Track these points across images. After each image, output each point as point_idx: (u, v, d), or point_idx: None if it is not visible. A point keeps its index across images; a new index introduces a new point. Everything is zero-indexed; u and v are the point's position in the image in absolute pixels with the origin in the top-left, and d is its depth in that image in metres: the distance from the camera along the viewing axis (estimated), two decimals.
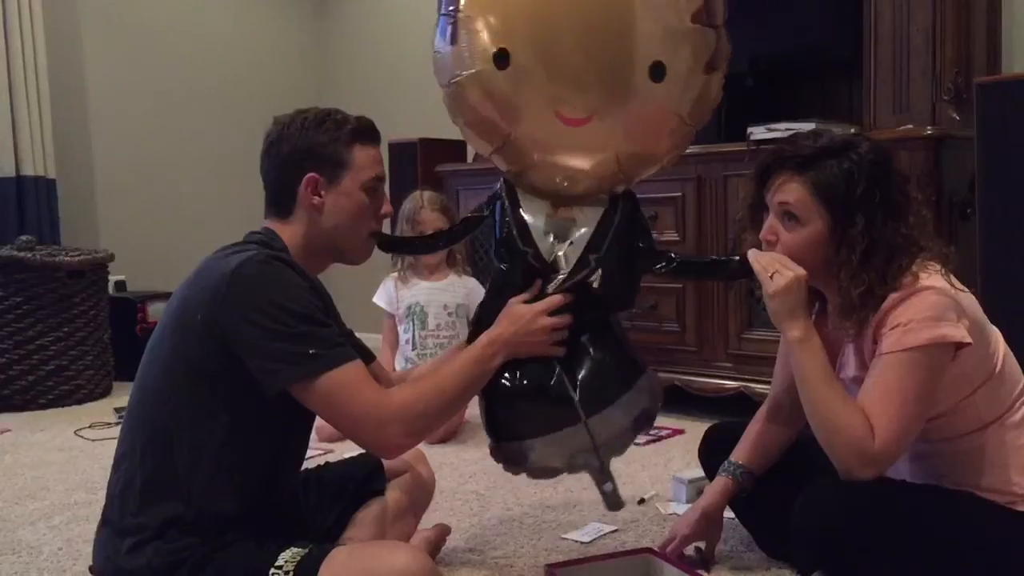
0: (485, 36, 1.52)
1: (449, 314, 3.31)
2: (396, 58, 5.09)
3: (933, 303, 1.53)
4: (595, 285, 1.63)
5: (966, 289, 1.62)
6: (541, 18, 1.49)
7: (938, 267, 1.58)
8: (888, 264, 1.56)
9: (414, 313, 3.31)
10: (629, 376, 1.68)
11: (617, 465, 2.67)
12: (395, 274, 3.40)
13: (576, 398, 1.63)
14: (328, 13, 5.52)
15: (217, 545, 1.45)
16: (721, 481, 1.88)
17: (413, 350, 3.30)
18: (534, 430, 1.66)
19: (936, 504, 1.61)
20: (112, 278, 4.18)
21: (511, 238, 1.66)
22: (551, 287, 1.64)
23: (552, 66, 1.49)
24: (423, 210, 3.25)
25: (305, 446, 1.72)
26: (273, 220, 1.63)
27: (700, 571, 1.84)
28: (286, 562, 1.42)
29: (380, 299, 3.41)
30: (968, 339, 1.53)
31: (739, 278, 1.73)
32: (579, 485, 2.52)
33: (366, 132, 1.66)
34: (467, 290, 3.33)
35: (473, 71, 1.55)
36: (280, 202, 1.62)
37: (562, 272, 1.63)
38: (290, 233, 1.61)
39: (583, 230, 1.63)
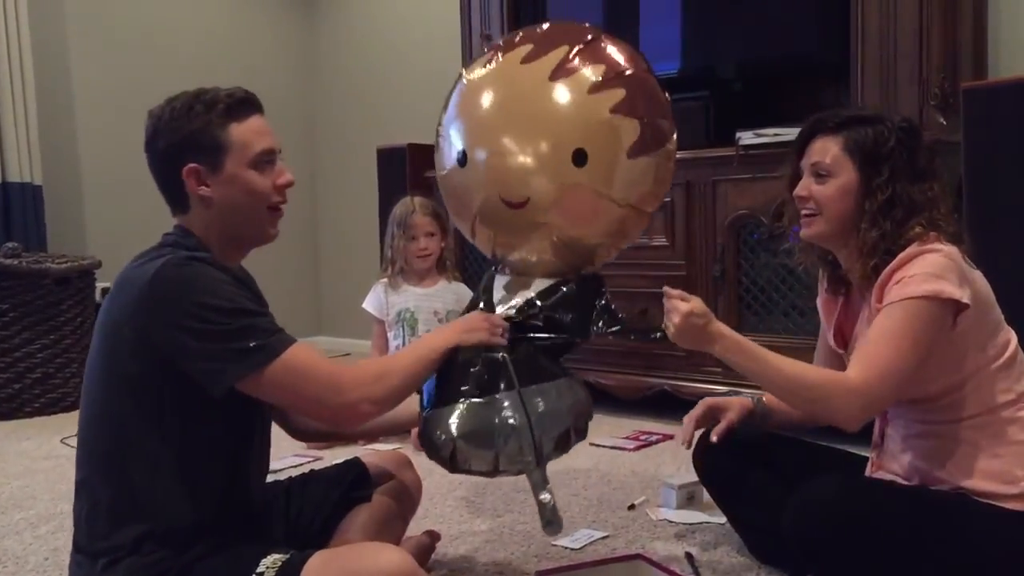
0: (452, 143, 1.78)
1: (439, 320, 3.29)
2: (385, 64, 5.09)
3: (936, 261, 1.58)
4: (536, 322, 1.71)
5: (976, 269, 1.66)
6: (488, 123, 1.74)
7: (953, 246, 1.63)
8: (907, 218, 1.64)
9: (404, 319, 3.31)
10: (565, 371, 1.73)
11: (606, 468, 2.70)
12: (385, 280, 3.39)
13: (512, 370, 1.63)
14: (318, 20, 5.51)
15: (194, 555, 1.43)
16: (742, 398, 1.95)
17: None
18: (465, 392, 1.61)
19: (929, 505, 1.62)
20: (99, 285, 4.15)
21: (476, 294, 1.84)
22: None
23: (496, 160, 1.70)
24: (414, 214, 3.28)
25: (267, 444, 1.68)
26: (178, 216, 1.57)
27: None
28: (267, 568, 1.40)
29: (370, 305, 3.41)
30: (966, 300, 1.56)
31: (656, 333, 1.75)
32: (568, 492, 2.52)
33: (241, 106, 1.55)
34: (457, 296, 3.31)
35: (444, 171, 1.82)
36: (173, 199, 1.55)
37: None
38: (197, 226, 1.54)
39: (533, 291, 1.75)
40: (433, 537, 2.01)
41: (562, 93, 1.68)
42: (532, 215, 1.69)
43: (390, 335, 3.36)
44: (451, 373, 1.64)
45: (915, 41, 2.87)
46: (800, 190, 1.75)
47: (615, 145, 1.68)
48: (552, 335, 1.71)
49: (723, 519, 2.11)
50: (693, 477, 2.22)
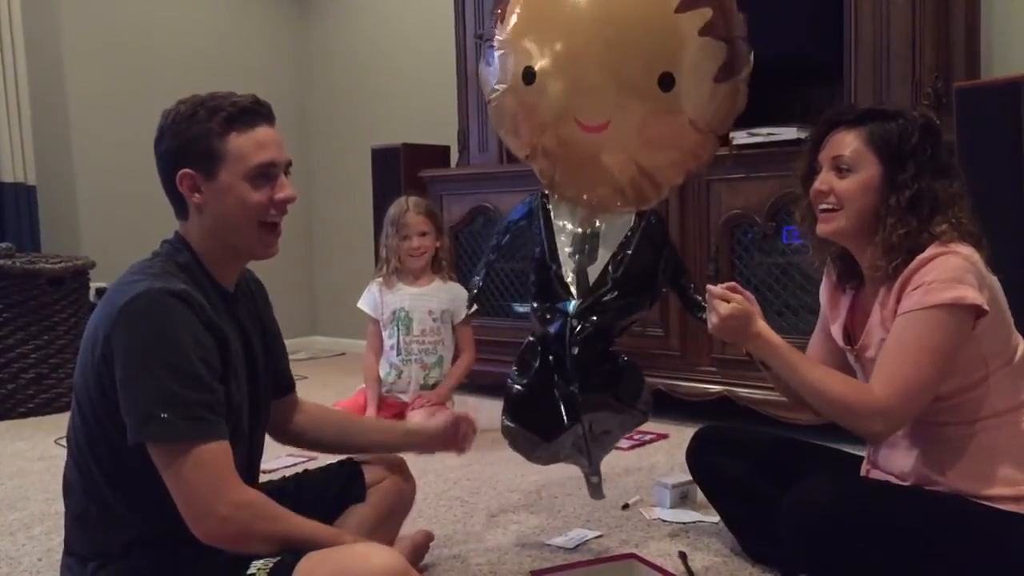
0: (518, 57, 1.69)
1: (434, 319, 3.31)
2: (380, 65, 5.09)
3: (955, 265, 1.57)
4: (607, 300, 1.82)
5: (993, 275, 1.65)
6: (567, 40, 1.65)
7: (972, 248, 1.62)
8: (932, 215, 1.62)
9: (399, 318, 3.31)
10: (633, 395, 1.93)
11: (601, 469, 2.69)
12: (379, 279, 3.38)
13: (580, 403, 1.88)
14: (313, 19, 5.51)
15: (185, 558, 1.43)
16: None
17: (398, 355, 3.31)
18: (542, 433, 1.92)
19: (923, 506, 1.62)
20: (93, 285, 4.14)
21: (543, 254, 1.87)
22: (571, 312, 1.83)
23: (572, 79, 1.63)
24: (408, 213, 3.27)
25: (257, 447, 1.67)
26: (180, 222, 1.56)
27: None
28: (259, 569, 1.40)
29: (365, 304, 3.40)
30: (986, 306, 1.55)
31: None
32: (562, 491, 2.52)
33: (245, 115, 1.50)
34: (452, 295, 3.33)
35: (505, 85, 1.72)
36: (174, 203, 1.54)
37: (576, 298, 1.84)
38: (195, 238, 1.53)
39: (602, 250, 1.81)
40: (427, 537, 2.01)
41: (648, 11, 1.62)
42: (610, 140, 1.64)
43: (384, 334, 3.36)
44: (527, 405, 1.91)
45: (908, 41, 2.87)
46: (820, 184, 1.69)
47: (703, 69, 1.64)
48: (621, 310, 1.83)
49: (716, 518, 2.11)
50: (687, 476, 2.23)
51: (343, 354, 5.20)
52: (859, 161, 1.66)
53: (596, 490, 2.03)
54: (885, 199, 1.64)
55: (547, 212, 1.88)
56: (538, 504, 2.41)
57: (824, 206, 1.69)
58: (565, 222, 1.86)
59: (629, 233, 1.84)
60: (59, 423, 3.57)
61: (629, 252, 1.82)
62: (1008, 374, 1.62)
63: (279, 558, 1.41)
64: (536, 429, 1.91)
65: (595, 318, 1.83)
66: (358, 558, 1.42)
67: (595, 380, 1.88)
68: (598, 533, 2.18)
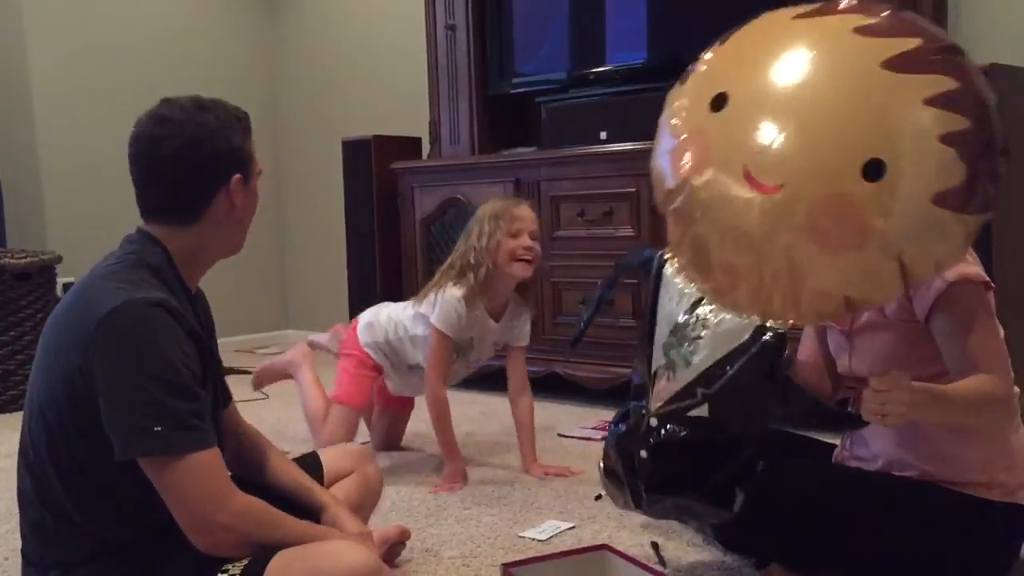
0: (711, 79, 1.42)
1: (496, 348, 2.72)
2: (350, 56, 5.06)
3: None
4: (693, 415, 1.57)
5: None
6: (772, 77, 1.34)
7: None
8: None
9: (461, 348, 2.62)
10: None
11: (574, 459, 2.70)
12: (461, 291, 2.52)
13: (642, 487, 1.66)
14: (281, 10, 5.46)
15: (153, 560, 1.41)
16: None
17: None
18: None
19: (893, 492, 1.64)
20: (60, 280, 4.09)
21: (643, 331, 1.68)
22: (646, 409, 1.62)
23: (762, 123, 1.31)
24: (520, 207, 2.58)
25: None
26: (164, 226, 1.49)
27: (656, 567, 1.84)
28: (232, 564, 1.39)
29: (446, 324, 2.52)
30: (991, 283, 1.58)
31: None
32: (535, 482, 2.51)
33: (249, 124, 1.56)
34: (519, 321, 2.68)
35: (687, 101, 1.45)
36: (188, 207, 1.48)
37: (653, 398, 1.62)
38: (184, 242, 1.50)
39: (703, 355, 1.53)
40: (402, 533, 1.99)
41: (893, 89, 1.27)
42: (773, 209, 1.28)
43: (420, 351, 2.65)
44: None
45: None
46: None
47: (928, 178, 1.25)
48: (716, 428, 1.56)
49: None
50: None
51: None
52: None
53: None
54: None
55: (658, 285, 1.63)
56: (511, 496, 2.41)
57: None
58: (671, 305, 1.60)
59: (741, 344, 1.53)
60: None
61: (729, 370, 1.52)
62: None
63: (250, 558, 1.40)
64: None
65: (680, 430, 1.58)
66: (331, 556, 1.41)
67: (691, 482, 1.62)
68: (571, 524, 2.18)
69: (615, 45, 3.58)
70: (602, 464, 1.74)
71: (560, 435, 3.02)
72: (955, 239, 1.31)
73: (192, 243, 1.51)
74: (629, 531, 2.12)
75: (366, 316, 2.81)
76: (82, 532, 1.42)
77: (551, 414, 3.24)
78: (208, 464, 1.37)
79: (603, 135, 3.42)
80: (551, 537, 2.11)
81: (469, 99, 3.95)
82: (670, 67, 3.38)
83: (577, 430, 3.08)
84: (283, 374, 3.08)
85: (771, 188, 1.28)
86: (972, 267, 1.56)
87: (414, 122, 4.29)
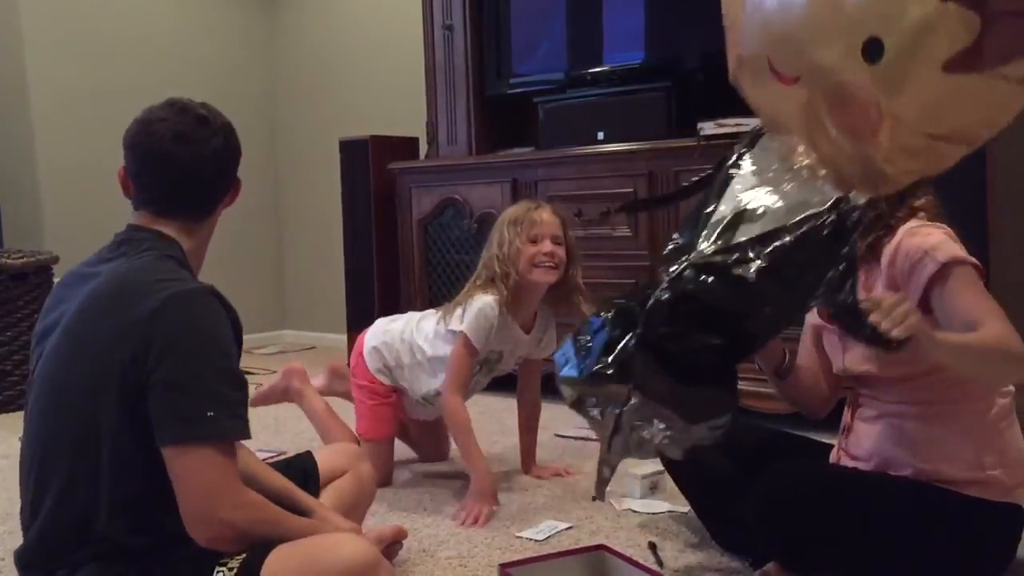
0: None
1: (518, 363, 2.60)
2: (348, 56, 5.05)
3: (947, 234, 1.62)
4: (738, 273, 1.39)
5: None
6: None
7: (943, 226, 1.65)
8: (900, 195, 1.61)
9: (489, 360, 2.49)
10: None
11: (571, 459, 2.70)
12: (494, 299, 2.35)
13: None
14: (278, 11, 5.45)
15: (152, 562, 1.40)
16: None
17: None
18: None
19: (888, 491, 1.64)
20: (57, 280, 4.09)
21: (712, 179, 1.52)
22: (691, 257, 1.43)
23: (776, 14, 1.30)
24: (540, 210, 2.43)
25: None
26: (176, 223, 1.50)
27: (653, 567, 1.84)
28: (231, 557, 1.39)
29: (477, 334, 2.35)
30: (980, 265, 1.59)
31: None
32: (532, 483, 2.51)
33: None
34: (548, 331, 2.56)
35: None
36: (202, 205, 1.52)
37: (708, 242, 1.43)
38: (194, 242, 1.52)
39: (767, 220, 1.39)
40: (400, 531, 1.98)
41: None
42: (796, 99, 1.31)
43: (438, 379, 2.48)
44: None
45: None
46: None
47: (928, 49, 1.18)
48: (750, 298, 1.38)
49: (687, 507, 2.12)
50: (657, 466, 2.24)
51: (312, 348, 5.17)
52: None
53: (600, 487, 1.61)
54: None
55: (753, 144, 1.51)
56: (508, 496, 2.41)
57: None
58: (759, 162, 1.46)
59: (815, 213, 1.39)
60: (22, 420, 3.52)
61: (789, 238, 1.38)
62: None
63: (248, 552, 1.39)
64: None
65: (712, 281, 1.40)
66: (329, 548, 1.41)
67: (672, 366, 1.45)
68: (568, 524, 2.18)
69: (612, 45, 3.59)
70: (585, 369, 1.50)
71: (557, 435, 3.02)
72: (980, 98, 1.21)
73: (200, 240, 1.55)
74: (626, 531, 2.12)
75: (371, 339, 2.62)
76: (98, 538, 1.40)
77: (548, 414, 3.22)
78: (231, 456, 1.38)
79: (600, 135, 3.43)
80: (548, 537, 2.11)
81: (466, 99, 3.95)
82: (667, 67, 3.42)
83: (574, 430, 3.08)
84: (281, 399, 2.92)
85: (788, 80, 1.29)
86: (962, 252, 1.58)
87: (411, 122, 4.29)
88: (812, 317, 1.87)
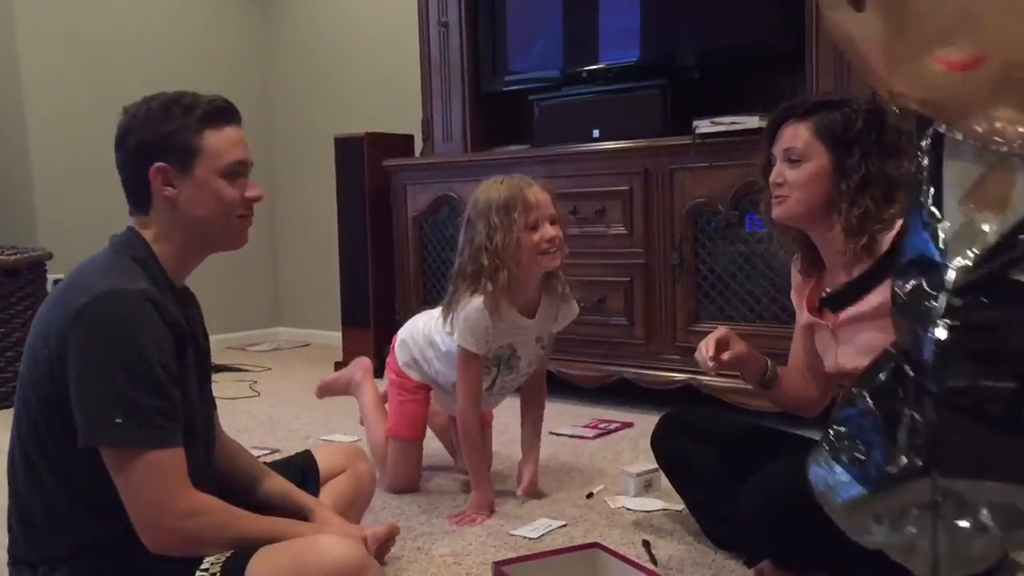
0: None
1: (543, 347, 2.40)
2: (343, 52, 5.04)
3: None
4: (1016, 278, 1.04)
5: None
6: None
7: None
8: (889, 194, 1.67)
9: (502, 359, 2.34)
10: None
11: (565, 457, 2.70)
12: (480, 300, 2.19)
13: None
14: (273, 7, 5.44)
15: (137, 556, 1.40)
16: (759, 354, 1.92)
17: (486, 389, 2.37)
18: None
19: None
20: (51, 277, 4.07)
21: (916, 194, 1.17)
22: (950, 283, 1.07)
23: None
24: (531, 189, 2.21)
25: (213, 444, 1.63)
26: (136, 217, 1.53)
27: (647, 565, 1.84)
28: (211, 564, 1.38)
29: (471, 342, 2.23)
30: None
31: None
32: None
33: (219, 114, 1.52)
34: (563, 310, 2.38)
35: None
36: (136, 198, 1.52)
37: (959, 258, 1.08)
38: (154, 231, 1.52)
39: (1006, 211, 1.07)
40: (393, 529, 1.99)
41: None
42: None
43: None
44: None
45: None
46: (775, 176, 1.78)
47: None
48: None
49: (681, 506, 2.12)
50: (651, 465, 2.24)
51: (307, 345, 5.16)
52: (809, 151, 1.73)
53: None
54: (837, 185, 1.71)
55: (940, 145, 1.18)
56: (502, 494, 2.41)
57: (777, 194, 1.77)
58: (957, 174, 1.12)
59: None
60: None
61: None
62: None
63: (230, 553, 1.39)
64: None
65: (991, 304, 1.06)
66: (316, 550, 1.41)
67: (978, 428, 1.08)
68: (562, 523, 2.17)
69: (608, 43, 3.58)
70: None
71: (552, 433, 3.02)
72: None
73: (161, 234, 1.52)
74: (620, 529, 2.12)
75: (402, 331, 2.56)
76: (68, 525, 1.42)
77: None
78: (164, 463, 1.36)
79: (596, 133, 3.42)
80: (543, 535, 2.10)
81: (462, 96, 3.94)
82: (663, 65, 3.42)
83: (568, 428, 3.08)
84: (344, 391, 2.85)
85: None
86: None
87: (407, 119, 4.29)
88: (803, 316, 1.87)
